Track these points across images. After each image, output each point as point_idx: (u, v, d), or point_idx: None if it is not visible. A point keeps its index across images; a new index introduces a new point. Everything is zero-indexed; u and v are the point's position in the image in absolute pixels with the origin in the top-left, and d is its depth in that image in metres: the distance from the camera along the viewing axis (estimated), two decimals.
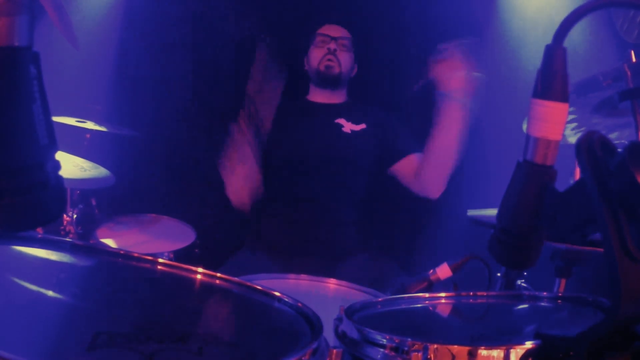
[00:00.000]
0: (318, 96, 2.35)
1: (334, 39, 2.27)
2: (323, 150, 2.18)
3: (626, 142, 0.60)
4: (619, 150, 0.61)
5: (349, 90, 2.39)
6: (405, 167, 2.21)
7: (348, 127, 2.26)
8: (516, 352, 0.81)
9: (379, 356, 0.88)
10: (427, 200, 2.26)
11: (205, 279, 1.05)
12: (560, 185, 0.74)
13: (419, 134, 2.14)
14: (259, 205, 2.12)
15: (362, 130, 2.25)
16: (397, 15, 2.75)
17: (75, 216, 2.19)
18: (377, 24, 2.73)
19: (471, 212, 1.82)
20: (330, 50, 2.24)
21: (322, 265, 1.81)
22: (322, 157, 2.17)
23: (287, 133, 2.22)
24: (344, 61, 2.28)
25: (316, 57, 2.28)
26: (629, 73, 1.36)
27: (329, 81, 2.28)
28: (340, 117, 2.28)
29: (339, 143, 2.21)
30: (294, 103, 2.36)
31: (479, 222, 1.73)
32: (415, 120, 2.43)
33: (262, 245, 2.11)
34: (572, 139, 1.73)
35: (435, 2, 2.67)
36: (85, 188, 2.26)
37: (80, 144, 2.43)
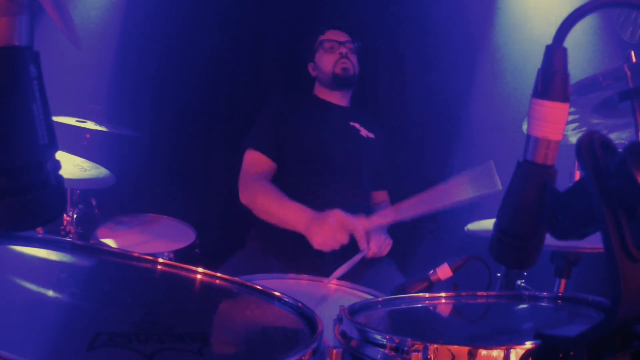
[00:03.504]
0: (327, 97, 2.36)
1: (342, 43, 2.32)
2: (343, 150, 2.19)
3: (626, 142, 0.60)
4: (619, 150, 0.61)
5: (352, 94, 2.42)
6: (374, 198, 2.34)
7: (364, 132, 2.29)
8: (516, 352, 0.81)
9: (379, 356, 0.88)
10: None
11: (205, 279, 1.05)
12: (560, 185, 0.74)
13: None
14: None
15: (373, 139, 2.29)
16: (395, 18, 2.76)
17: (75, 216, 2.19)
18: (375, 27, 2.75)
19: (470, 227, 1.82)
20: (343, 54, 2.29)
21: (323, 265, 1.80)
22: (341, 158, 2.17)
23: (303, 127, 2.21)
24: (355, 63, 2.33)
25: (329, 62, 2.30)
26: (629, 73, 1.35)
27: (346, 83, 2.31)
28: (353, 120, 2.30)
29: (358, 147, 2.23)
30: (303, 96, 2.37)
31: (477, 235, 1.72)
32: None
33: (265, 244, 2.10)
34: (573, 139, 1.73)
35: (434, 4, 2.68)
36: (85, 188, 2.26)
37: (80, 144, 2.43)
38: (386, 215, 1.83)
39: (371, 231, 1.96)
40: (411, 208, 1.77)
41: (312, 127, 2.21)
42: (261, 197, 2.08)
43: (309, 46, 2.40)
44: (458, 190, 1.66)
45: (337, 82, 2.30)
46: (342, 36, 2.34)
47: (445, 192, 1.69)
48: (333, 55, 2.30)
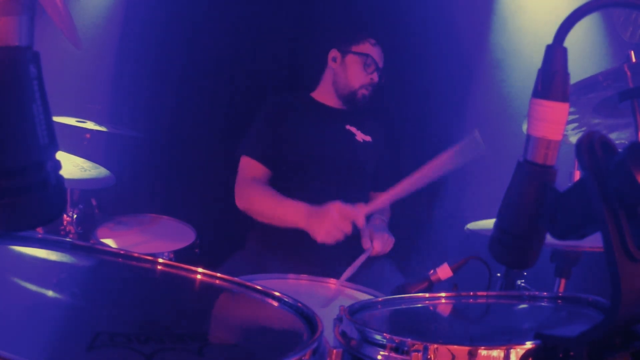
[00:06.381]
0: (326, 99, 2.34)
1: (378, 70, 2.25)
2: (337, 155, 2.18)
3: (626, 142, 0.60)
4: (619, 150, 0.61)
5: None
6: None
7: (360, 136, 2.27)
8: (516, 352, 0.81)
9: (379, 356, 0.88)
10: (427, 203, 2.26)
11: (205, 279, 1.05)
12: (561, 185, 0.74)
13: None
14: None
15: (370, 142, 2.28)
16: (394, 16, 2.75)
17: (75, 216, 2.19)
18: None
19: (470, 226, 1.81)
20: (373, 81, 2.23)
21: (323, 265, 1.80)
22: (336, 162, 2.16)
23: (298, 132, 2.21)
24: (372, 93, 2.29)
25: (358, 79, 2.24)
26: (629, 73, 1.35)
27: (354, 104, 2.28)
28: (350, 124, 2.28)
29: (353, 150, 2.23)
30: (298, 99, 2.35)
31: (477, 234, 1.72)
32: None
33: (265, 244, 2.10)
34: (573, 139, 1.73)
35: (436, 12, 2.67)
36: (85, 188, 2.26)
37: (80, 144, 2.43)
38: (383, 200, 1.83)
39: (374, 231, 1.98)
40: (404, 189, 1.78)
41: (307, 131, 2.21)
42: (257, 200, 2.08)
43: (348, 34, 2.31)
44: (447, 162, 1.68)
45: (349, 100, 2.27)
46: (381, 60, 2.27)
47: (436, 167, 1.71)
48: (366, 75, 2.23)
